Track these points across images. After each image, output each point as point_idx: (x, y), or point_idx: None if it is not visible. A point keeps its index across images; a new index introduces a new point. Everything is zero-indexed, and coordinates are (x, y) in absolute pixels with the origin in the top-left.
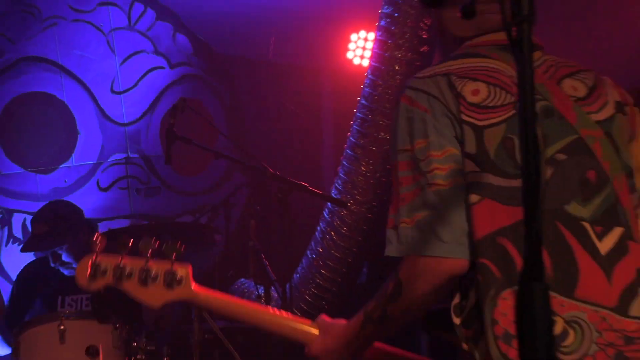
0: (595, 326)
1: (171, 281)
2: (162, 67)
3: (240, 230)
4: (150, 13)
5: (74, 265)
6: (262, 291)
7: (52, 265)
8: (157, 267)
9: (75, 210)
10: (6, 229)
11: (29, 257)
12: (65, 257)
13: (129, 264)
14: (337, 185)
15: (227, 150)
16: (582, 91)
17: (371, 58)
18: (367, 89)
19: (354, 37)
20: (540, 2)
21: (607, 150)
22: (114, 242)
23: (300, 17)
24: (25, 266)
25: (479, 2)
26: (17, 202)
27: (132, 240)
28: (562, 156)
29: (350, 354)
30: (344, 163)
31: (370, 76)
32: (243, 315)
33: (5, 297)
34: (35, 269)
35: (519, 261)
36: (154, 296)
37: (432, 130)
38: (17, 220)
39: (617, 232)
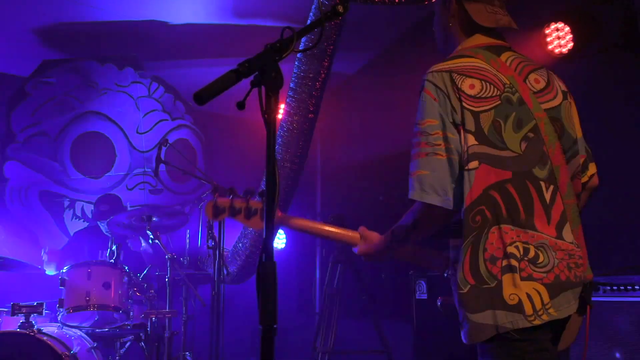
0: (552, 248)
1: (259, 213)
2: (166, 120)
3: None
4: (162, 88)
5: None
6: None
7: (105, 229)
8: (256, 205)
9: (117, 198)
10: (72, 210)
11: (82, 225)
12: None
13: (237, 204)
14: (262, 185)
15: (199, 170)
16: (542, 84)
17: (284, 114)
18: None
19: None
20: None
21: (548, 129)
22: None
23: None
24: (77, 231)
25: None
26: (78, 195)
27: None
28: (531, 134)
29: (379, 256)
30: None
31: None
32: (318, 234)
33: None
34: (83, 233)
35: (503, 206)
36: (257, 223)
37: (438, 115)
38: (78, 206)
39: (552, 188)
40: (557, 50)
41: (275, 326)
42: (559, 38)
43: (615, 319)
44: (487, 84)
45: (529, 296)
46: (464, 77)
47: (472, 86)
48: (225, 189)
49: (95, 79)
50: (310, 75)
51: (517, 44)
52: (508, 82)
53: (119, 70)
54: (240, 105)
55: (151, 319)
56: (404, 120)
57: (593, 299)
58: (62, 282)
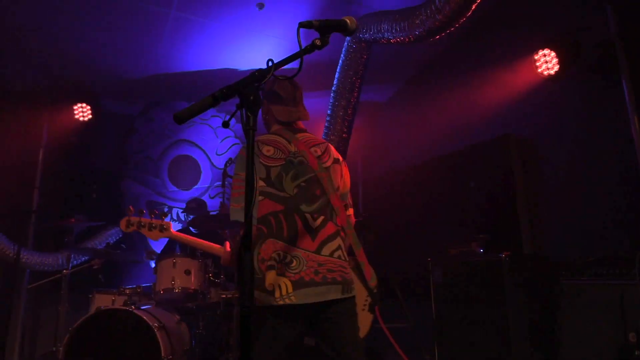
0: (305, 259)
1: (162, 229)
2: (238, 144)
3: None
4: (234, 120)
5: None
6: None
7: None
8: (157, 223)
9: (204, 202)
10: (170, 215)
11: (177, 227)
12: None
13: (144, 221)
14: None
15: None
16: (319, 152)
17: (322, 135)
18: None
19: None
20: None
21: (328, 182)
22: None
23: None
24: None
25: (280, 104)
26: (174, 203)
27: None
28: (304, 184)
29: (230, 264)
30: None
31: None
32: (194, 245)
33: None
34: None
35: (274, 227)
36: (156, 235)
37: (244, 169)
38: (174, 212)
39: (322, 218)
40: (545, 73)
41: (249, 305)
42: (547, 62)
43: None
44: (278, 150)
45: (279, 286)
46: (264, 144)
47: (268, 150)
48: (135, 210)
49: None
50: (343, 103)
51: (511, 68)
52: (294, 150)
53: None
54: (225, 124)
55: (223, 298)
56: (426, 136)
57: None
58: (155, 270)
